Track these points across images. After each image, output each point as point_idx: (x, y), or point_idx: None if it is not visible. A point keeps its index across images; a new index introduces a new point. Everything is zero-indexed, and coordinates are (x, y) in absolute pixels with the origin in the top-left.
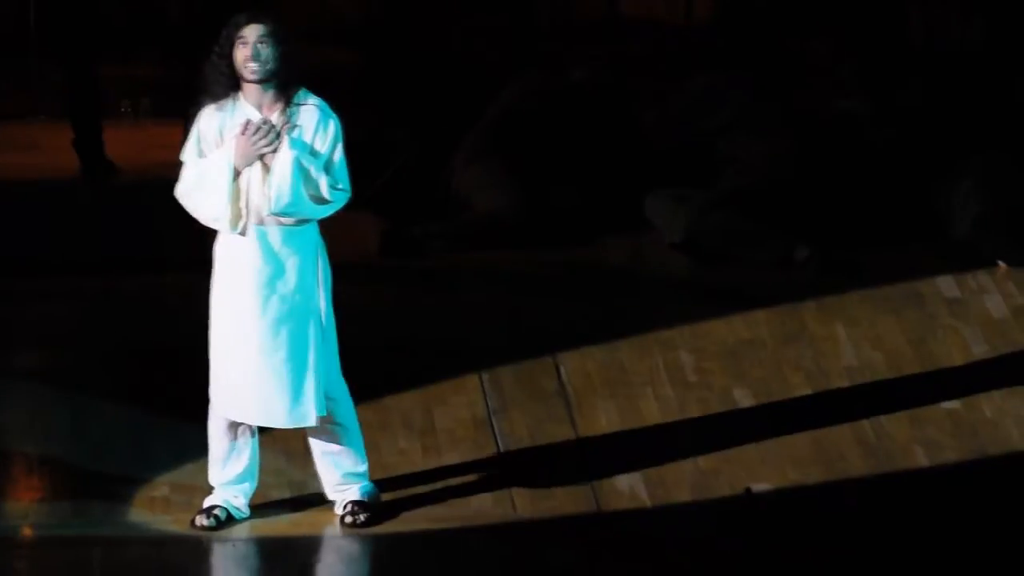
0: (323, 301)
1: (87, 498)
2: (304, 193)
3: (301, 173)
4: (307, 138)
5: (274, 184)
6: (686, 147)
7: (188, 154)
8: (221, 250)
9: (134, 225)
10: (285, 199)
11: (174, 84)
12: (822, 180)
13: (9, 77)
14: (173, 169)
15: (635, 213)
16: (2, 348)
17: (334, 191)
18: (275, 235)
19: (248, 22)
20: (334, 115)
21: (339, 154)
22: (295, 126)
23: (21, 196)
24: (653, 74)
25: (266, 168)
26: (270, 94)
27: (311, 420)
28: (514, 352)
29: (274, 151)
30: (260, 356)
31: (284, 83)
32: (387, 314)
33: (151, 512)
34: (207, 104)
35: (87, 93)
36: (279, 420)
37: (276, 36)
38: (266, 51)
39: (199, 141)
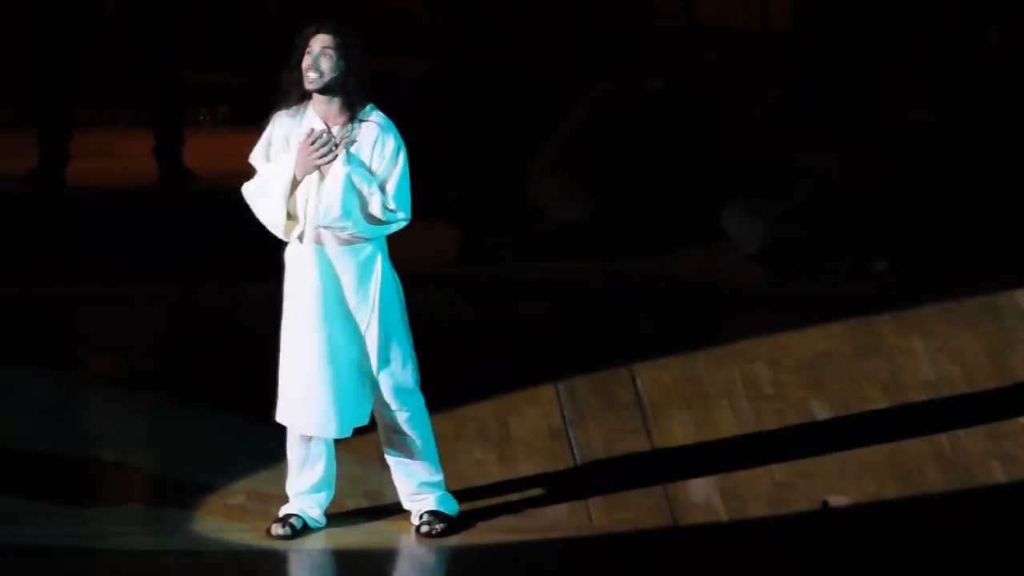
0: (381, 315)
1: (161, 505)
2: (354, 208)
3: (352, 189)
4: (364, 155)
5: (324, 197)
6: (762, 157)
7: (256, 157)
8: (287, 259)
9: (210, 232)
10: (334, 212)
11: (252, 91)
12: (899, 191)
13: (87, 83)
14: (249, 177)
15: (711, 224)
16: (79, 354)
17: (387, 211)
18: (332, 248)
19: (316, 32)
20: (397, 135)
21: (397, 174)
22: (353, 141)
23: (99, 202)
24: (730, 83)
25: (322, 179)
26: (335, 107)
27: (346, 431)
28: (590, 362)
29: (330, 163)
30: (316, 368)
31: (348, 97)
32: (462, 323)
33: (227, 520)
34: (281, 110)
35: (170, 99)
36: (331, 431)
37: (342, 49)
38: (327, 63)
39: (268, 145)
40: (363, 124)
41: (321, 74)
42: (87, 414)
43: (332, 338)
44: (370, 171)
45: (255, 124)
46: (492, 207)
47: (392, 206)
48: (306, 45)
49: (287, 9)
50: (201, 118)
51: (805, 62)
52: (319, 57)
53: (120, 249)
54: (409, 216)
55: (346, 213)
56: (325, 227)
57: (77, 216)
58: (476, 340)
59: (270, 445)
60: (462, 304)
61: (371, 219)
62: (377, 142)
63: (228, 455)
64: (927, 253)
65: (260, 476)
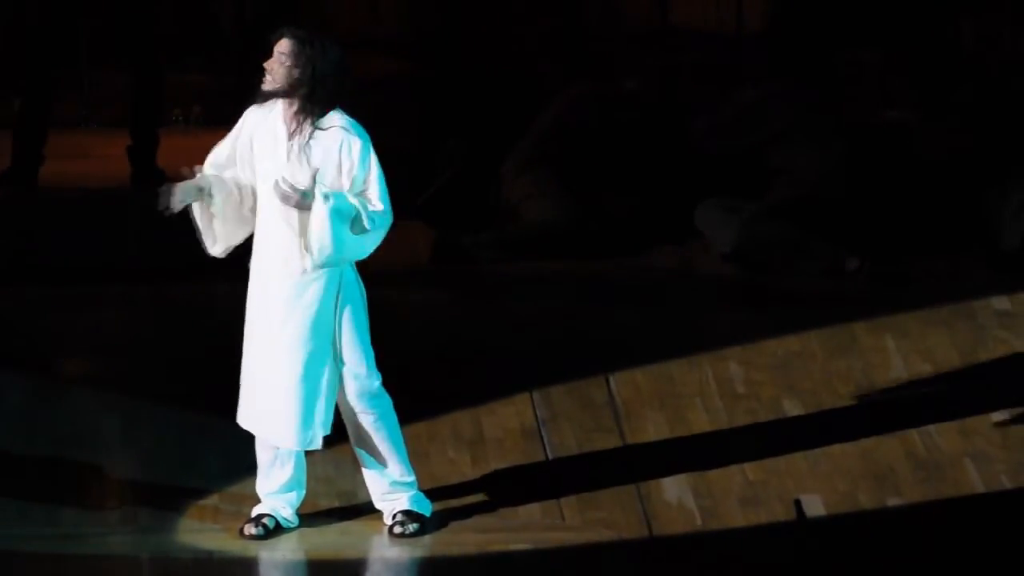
0: (345, 322)
1: (135, 506)
2: (345, 235)
3: (339, 221)
4: (332, 162)
5: (314, 242)
6: (737, 157)
7: (220, 144)
8: (251, 266)
9: (183, 232)
10: (327, 251)
11: (225, 92)
12: (872, 191)
13: (61, 85)
14: None
15: (685, 223)
16: (52, 355)
17: (373, 215)
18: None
19: (279, 37)
20: (362, 134)
21: (374, 175)
22: (315, 152)
23: (72, 204)
24: (704, 84)
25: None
26: (293, 110)
27: (318, 444)
28: (563, 362)
29: (307, 208)
30: (277, 380)
31: (303, 103)
32: (436, 323)
33: (200, 521)
34: (256, 104)
35: (150, 100)
36: (290, 443)
37: (297, 56)
38: (280, 69)
39: (236, 137)
40: (324, 132)
41: (273, 79)
42: (60, 415)
43: (292, 348)
44: (343, 179)
45: (229, 125)
46: (467, 207)
47: (379, 207)
48: (271, 47)
49: (262, 10)
50: (174, 119)
51: (779, 62)
52: (274, 62)
53: (91, 250)
54: (391, 213)
55: (339, 247)
56: (322, 266)
57: (51, 217)
58: (450, 339)
59: (243, 447)
60: (436, 304)
61: (361, 231)
62: (343, 147)
63: (201, 456)
64: (900, 252)
65: (233, 478)
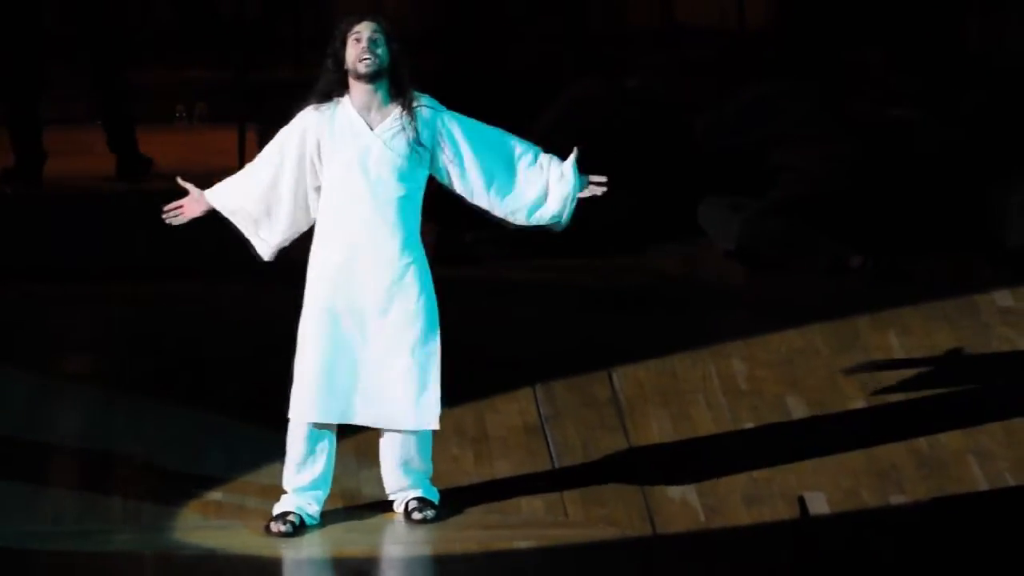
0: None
1: (138, 502)
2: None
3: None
4: (456, 136)
5: (567, 206)
6: (740, 155)
7: (271, 145)
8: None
9: (186, 230)
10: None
11: (229, 89)
12: (876, 188)
13: (63, 82)
14: (226, 175)
15: (689, 221)
16: (56, 352)
17: (538, 151)
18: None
19: (360, 20)
20: (442, 108)
21: (486, 128)
22: (421, 130)
23: (72, 201)
24: (707, 82)
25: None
26: (379, 96)
27: (435, 423)
28: (566, 360)
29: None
30: (382, 358)
31: (398, 83)
32: (439, 320)
33: (203, 517)
34: (311, 104)
35: (115, 93)
36: (404, 422)
37: (390, 35)
38: (381, 48)
39: (288, 136)
40: (417, 111)
41: (376, 57)
42: (62, 412)
43: (400, 332)
44: (462, 146)
45: (232, 122)
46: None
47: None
48: (349, 33)
49: (266, 7)
50: (178, 116)
51: (782, 60)
52: (372, 41)
53: (92, 247)
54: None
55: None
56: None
57: (52, 214)
58: (453, 337)
59: (245, 443)
60: (439, 301)
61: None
62: (447, 117)
63: (204, 453)
64: (904, 250)
65: (236, 473)
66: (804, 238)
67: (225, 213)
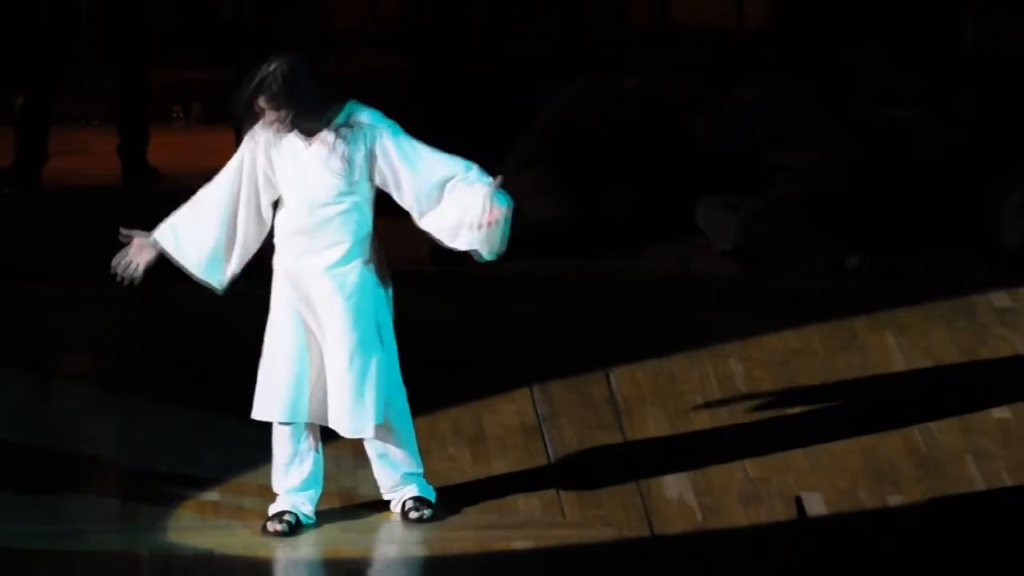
0: (385, 308)
1: (136, 502)
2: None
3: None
4: (391, 154)
5: (499, 243)
6: (737, 155)
7: (227, 168)
8: (281, 264)
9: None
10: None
11: (226, 89)
12: (874, 188)
13: (61, 82)
14: None
15: (686, 221)
16: (53, 352)
17: (481, 175)
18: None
19: (260, 84)
20: (381, 116)
21: (423, 147)
22: (356, 148)
23: (70, 201)
24: (705, 81)
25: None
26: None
27: (369, 432)
28: (564, 359)
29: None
30: (327, 360)
31: (315, 120)
32: (436, 320)
33: (200, 517)
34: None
35: (137, 98)
36: (343, 427)
37: (290, 80)
38: (284, 109)
39: (240, 159)
40: (351, 128)
41: (284, 125)
42: (60, 412)
43: (339, 338)
44: (395, 163)
45: (229, 122)
46: None
47: (468, 164)
48: (252, 100)
49: (262, 7)
50: (175, 116)
51: (781, 59)
52: (273, 114)
53: (89, 247)
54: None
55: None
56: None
57: (50, 215)
58: (450, 337)
59: (242, 443)
60: (436, 301)
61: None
62: (383, 133)
63: (201, 453)
64: (901, 249)
65: (233, 473)
66: (802, 238)
67: (177, 257)
